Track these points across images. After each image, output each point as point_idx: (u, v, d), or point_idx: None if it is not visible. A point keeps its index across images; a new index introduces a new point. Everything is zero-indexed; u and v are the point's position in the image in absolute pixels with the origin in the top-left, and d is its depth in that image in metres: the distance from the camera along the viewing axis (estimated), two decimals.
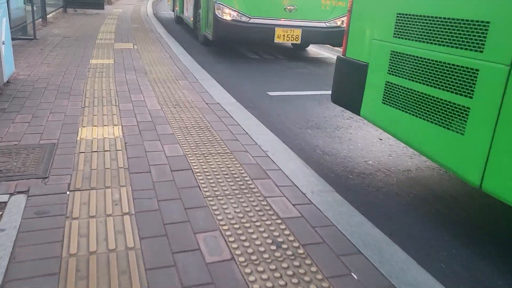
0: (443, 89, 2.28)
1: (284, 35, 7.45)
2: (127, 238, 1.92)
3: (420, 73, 2.45)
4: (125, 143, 3.05)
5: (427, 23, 2.40)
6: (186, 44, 8.42)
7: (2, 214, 2.06)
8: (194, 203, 2.27)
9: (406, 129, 2.59)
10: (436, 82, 2.33)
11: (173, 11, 13.04)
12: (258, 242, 1.94)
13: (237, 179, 2.57)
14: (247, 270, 1.76)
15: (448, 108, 2.26)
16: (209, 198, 2.32)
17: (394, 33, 2.67)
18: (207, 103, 4.18)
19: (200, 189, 2.42)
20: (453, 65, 2.21)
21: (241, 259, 1.82)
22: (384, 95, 2.77)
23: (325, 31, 7.69)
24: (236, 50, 8.60)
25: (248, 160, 2.87)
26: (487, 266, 2.18)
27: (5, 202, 2.17)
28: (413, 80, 2.51)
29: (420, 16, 2.45)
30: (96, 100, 4.05)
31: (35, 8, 9.77)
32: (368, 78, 2.93)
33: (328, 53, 9.12)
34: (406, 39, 2.57)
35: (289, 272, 1.76)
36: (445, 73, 2.27)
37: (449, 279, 2.04)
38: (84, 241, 1.89)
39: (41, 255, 1.78)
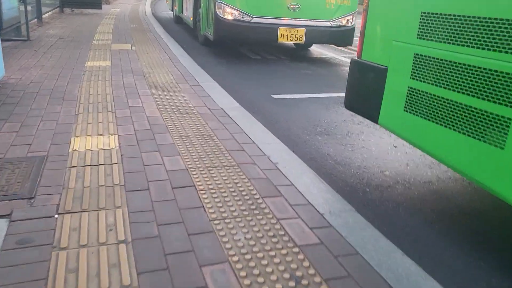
0: (479, 97, 2.02)
1: (287, 35, 7.19)
2: (122, 274, 1.66)
3: (450, 78, 2.19)
4: (121, 155, 2.78)
5: (459, 23, 2.13)
6: (186, 45, 8.16)
7: None
8: (199, 227, 2.01)
9: (432, 141, 2.33)
10: (470, 89, 2.07)
11: (172, 10, 12.77)
12: (273, 277, 1.68)
13: (246, 197, 2.30)
14: None
15: (485, 119, 2.00)
16: (215, 221, 2.06)
17: (418, 34, 2.41)
18: (209, 108, 3.92)
19: (205, 210, 2.16)
20: (491, 70, 1.95)
21: None
22: (407, 102, 2.51)
23: (329, 31, 7.43)
24: (237, 50, 8.33)
25: (257, 173, 2.61)
26: None
27: None
28: (441, 86, 2.25)
29: (450, 15, 2.18)
30: (91, 106, 3.79)
31: (30, 8, 9.54)
32: (388, 83, 2.67)
33: (331, 53, 8.86)
34: (432, 40, 2.31)
35: None
36: (481, 79, 2.01)
37: None
38: (73, 278, 1.63)
39: None
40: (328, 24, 7.40)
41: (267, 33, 7.13)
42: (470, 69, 2.07)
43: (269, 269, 1.73)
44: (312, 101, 5.03)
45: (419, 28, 2.40)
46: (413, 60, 2.45)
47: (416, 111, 2.44)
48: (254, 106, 4.61)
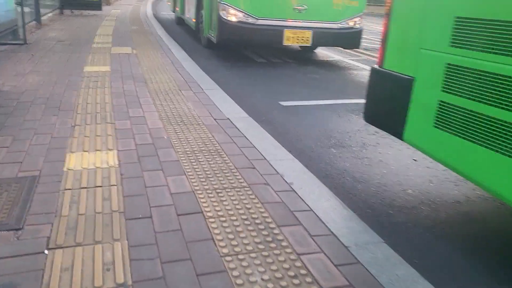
0: None
1: (293, 37, 6.94)
2: None
3: (490, 92, 1.94)
4: (121, 174, 2.53)
5: (502, 30, 1.88)
6: (188, 47, 7.91)
7: None
8: (209, 265, 1.76)
9: (470, 162, 2.07)
10: None
11: (174, 12, 12.52)
12: None
13: (260, 227, 2.05)
14: None
15: None
16: (227, 258, 1.81)
17: (452, 42, 2.15)
18: (215, 119, 3.66)
19: (214, 243, 1.91)
20: None
21: None
22: (437, 117, 2.25)
23: (337, 33, 7.18)
24: (241, 53, 8.08)
25: (271, 196, 2.36)
26: None
27: None
28: (479, 101, 2.00)
29: (492, 21, 1.93)
30: (89, 117, 3.54)
31: (29, 9, 9.29)
32: (414, 95, 2.41)
33: (338, 55, 8.60)
34: (469, 49, 2.06)
35: None
36: None
37: None
38: None
39: None
40: (335, 26, 7.15)
41: (272, 36, 6.89)
42: None
43: None
44: (323, 109, 4.78)
45: (453, 35, 2.14)
46: (445, 70, 2.20)
47: (448, 128, 2.18)
48: (261, 115, 4.35)
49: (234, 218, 2.11)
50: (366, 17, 8.08)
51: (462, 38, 2.09)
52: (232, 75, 6.17)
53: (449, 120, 2.18)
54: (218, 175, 2.59)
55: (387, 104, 2.65)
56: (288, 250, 1.88)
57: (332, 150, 3.59)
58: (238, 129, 3.43)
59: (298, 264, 1.79)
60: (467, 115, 2.07)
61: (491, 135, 1.93)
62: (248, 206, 2.24)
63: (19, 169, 2.55)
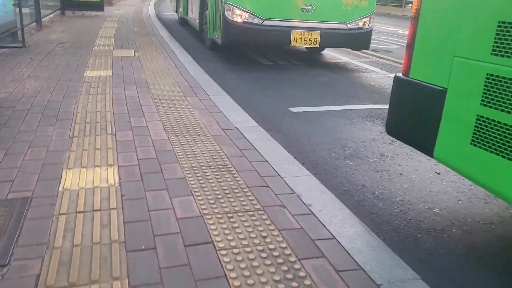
0: None
1: (301, 38, 6.69)
2: None
3: None
4: (121, 195, 2.30)
5: None
6: (192, 49, 7.68)
7: None
8: None
9: None
10: None
11: (177, 12, 12.29)
12: None
13: (279, 260, 1.81)
14: None
15: None
16: None
17: (494, 50, 1.90)
18: (223, 129, 3.42)
19: (228, 281, 1.67)
20: None
21: None
22: (476, 134, 2.00)
23: (346, 34, 6.92)
24: (246, 55, 7.84)
25: (288, 222, 2.12)
26: None
27: None
28: None
29: None
30: (88, 127, 3.31)
31: (29, 11, 9.07)
32: (447, 108, 2.17)
33: (346, 57, 8.35)
34: None
35: None
36: None
37: None
38: None
39: None
40: (344, 26, 6.90)
41: (279, 37, 6.64)
42: None
43: None
44: (334, 115, 4.53)
45: (495, 42, 1.89)
46: (485, 82, 1.95)
47: (489, 146, 1.94)
48: (271, 122, 4.12)
49: (248, 249, 1.87)
50: (375, 18, 7.83)
51: (506, 46, 1.85)
52: (238, 79, 5.94)
53: (490, 137, 1.93)
54: (228, 195, 2.35)
55: (414, 118, 2.40)
56: None
57: (348, 162, 3.34)
58: (248, 140, 3.20)
59: None
60: (511, 132, 1.82)
61: None
62: (263, 234, 2.00)
63: (10, 189, 2.32)
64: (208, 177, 2.56)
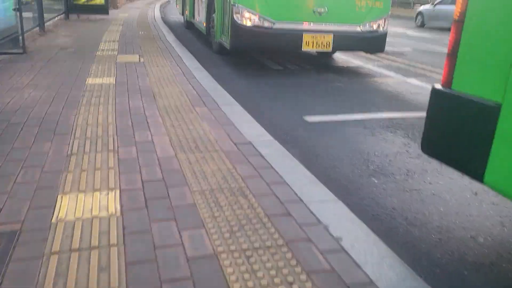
0: None
1: (313, 42, 6.39)
2: None
3: None
4: (123, 227, 2.00)
5: None
6: (199, 54, 7.39)
7: None
8: None
9: None
10: None
11: (183, 15, 12.03)
12: None
13: None
14: None
15: None
16: None
17: None
18: (235, 143, 3.13)
19: None
20: None
21: None
22: None
23: (360, 36, 6.62)
24: (255, 59, 7.55)
25: (317, 262, 1.81)
26: None
27: None
28: None
29: None
30: (88, 143, 3.02)
31: (31, 15, 8.85)
32: (501, 126, 1.85)
33: (357, 60, 8.03)
34: None
35: None
36: None
37: None
38: None
39: None
40: (358, 29, 6.59)
41: (290, 41, 6.35)
42: None
43: None
44: (353, 125, 4.22)
45: None
46: None
47: None
48: (286, 134, 3.82)
49: None
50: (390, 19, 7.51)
51: None
52: (248, 86, 5.64)
53: None
54: (245, 227, 2.05)
55: (459, 136, 2.09)
56: None
57: (373, 179, 3.03)
58: (264, 157, 2.90)
59: None
60: None
61: None
62: (289, 278, 1.69)
63: None
64: (221, 203, 2.26)
